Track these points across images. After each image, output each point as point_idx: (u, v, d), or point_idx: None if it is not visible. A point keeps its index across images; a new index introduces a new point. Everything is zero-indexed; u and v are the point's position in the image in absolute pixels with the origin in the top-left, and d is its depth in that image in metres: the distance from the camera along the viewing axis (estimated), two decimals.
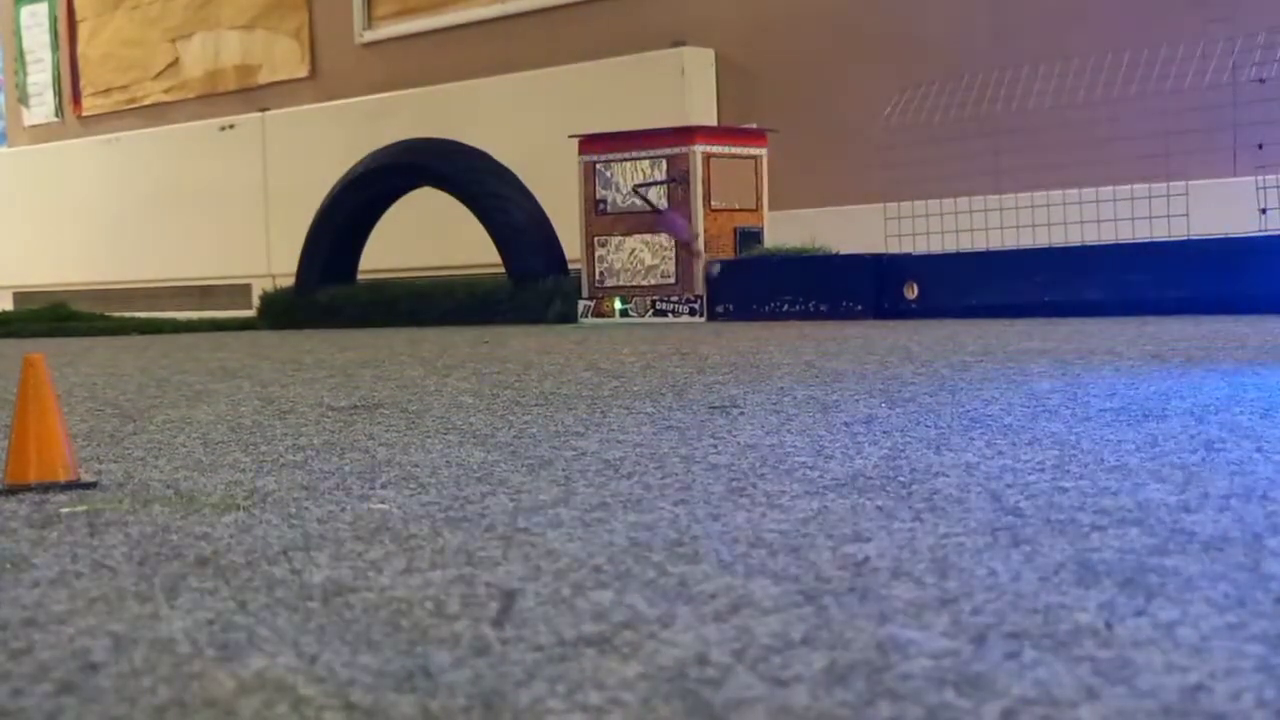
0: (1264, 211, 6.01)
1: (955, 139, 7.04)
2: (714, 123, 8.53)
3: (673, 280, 7.20)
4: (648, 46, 8.97)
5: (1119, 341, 3.94)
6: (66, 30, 13.04)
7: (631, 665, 0.90)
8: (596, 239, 7.48)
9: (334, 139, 10.14)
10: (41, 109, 13.33)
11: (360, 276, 8.87)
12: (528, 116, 9.28)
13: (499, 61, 9.76)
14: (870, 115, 7.64)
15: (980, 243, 6.67)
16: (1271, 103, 6.13)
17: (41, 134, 13.27)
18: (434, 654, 0.94)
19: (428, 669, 0.91)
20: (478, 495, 1.62)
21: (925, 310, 6.49)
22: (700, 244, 6.94)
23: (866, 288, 6.64)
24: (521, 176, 8.22)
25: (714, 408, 2.51)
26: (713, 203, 7.20)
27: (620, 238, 7.38)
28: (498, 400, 2.82)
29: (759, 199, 7.42)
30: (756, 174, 7.43)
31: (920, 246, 6.76)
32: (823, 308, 6.72)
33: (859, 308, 6.60)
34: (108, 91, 12.74)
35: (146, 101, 12.40)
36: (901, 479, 1.62)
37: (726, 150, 7.34)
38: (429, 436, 2.21)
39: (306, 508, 1.57)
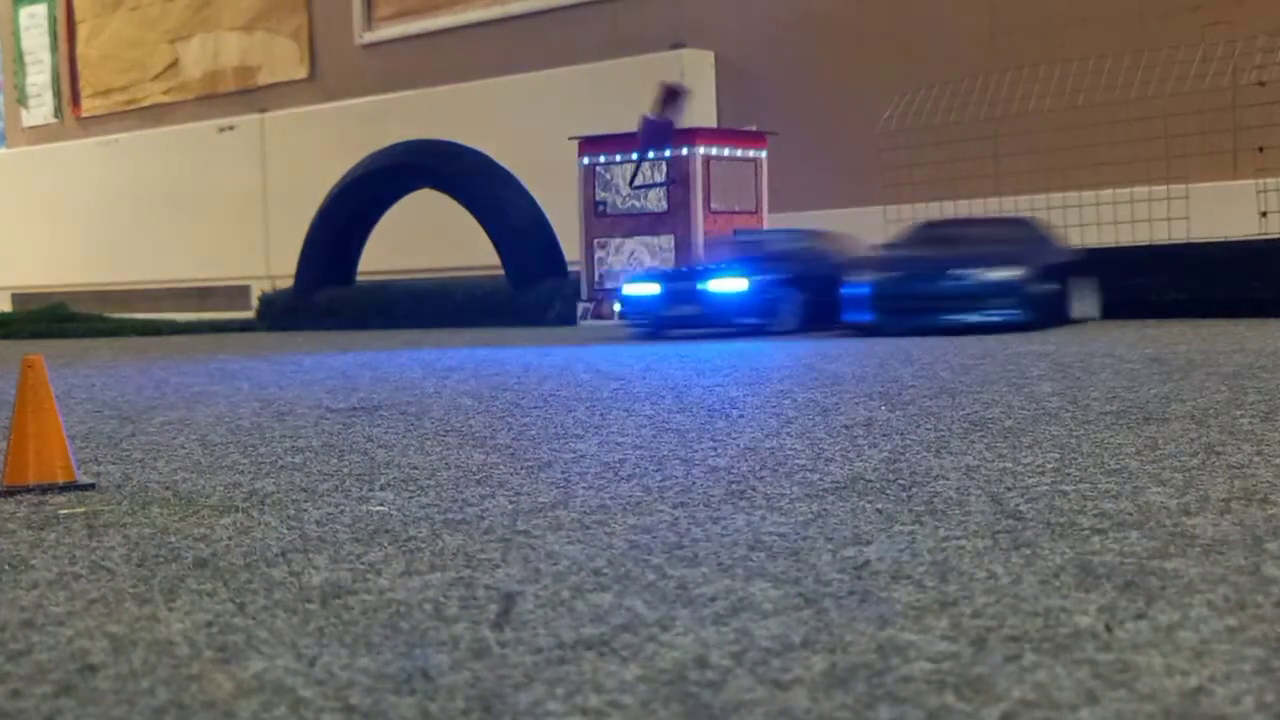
0: (1264, 214, 6.02)
1: (955, 142, 7.04)
2: (713, 125, 8.54)
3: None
4: (647, 49, 8.97)
5: (1119, 344, 3.94)
6: (65, 31, 13.04)
7: (631, 668, 0.90)
8: (596, 241, 7.48)
9: (333, 140, 10.14)
10: (40, 110, 13.33)
11: (359, 278, 8.88)
12: (527, 118, 9.28)
13: (499, 63, 9.76)
14: (870, 118, 7.65)
15: None
16: (1271, 106, 6.14)
17: (40, 135, 13.27)
18: (433, 656, 0.94)
19: (427, 671, 0.91)
20: (477, 498, 1.61)
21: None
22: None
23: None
24: (521, 178, 8.21)
25: (714, 410, 2.51)
26: (712, 205, 7.21)
27: (620, 239, 7.38)
28: (497, 402, 2.82)
29: (759, 201, 7.43)
30: (756, 176, 7.44)
31: None
32: None
33: None
34: (107, 93, 12.74)
35: (146, 103, 12.40)
36: (901, 482, 1.62)
37: (726, 153, 7.35)
38: (428, 438, 2.21)
39: (305, 510, 1.57)
